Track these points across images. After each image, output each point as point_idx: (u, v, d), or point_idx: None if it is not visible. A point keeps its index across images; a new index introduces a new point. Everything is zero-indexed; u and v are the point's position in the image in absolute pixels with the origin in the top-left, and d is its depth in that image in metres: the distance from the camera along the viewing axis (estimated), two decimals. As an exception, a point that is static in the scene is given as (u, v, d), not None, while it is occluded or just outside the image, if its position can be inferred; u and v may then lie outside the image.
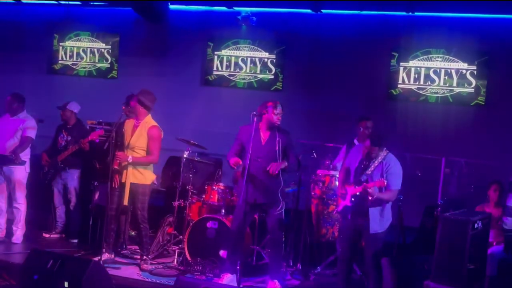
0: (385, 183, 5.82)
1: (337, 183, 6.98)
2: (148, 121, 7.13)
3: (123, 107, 7.11)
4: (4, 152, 7.70)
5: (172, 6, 10.76)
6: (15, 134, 7.78)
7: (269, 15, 10.29)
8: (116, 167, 6.95)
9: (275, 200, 6.40)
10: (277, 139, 6.41)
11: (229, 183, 7.88)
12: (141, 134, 7.03)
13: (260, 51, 10.45)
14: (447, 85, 9.36)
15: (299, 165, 6.71)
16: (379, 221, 5.97)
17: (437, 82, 9.43)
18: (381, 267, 6.13)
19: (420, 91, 9.52)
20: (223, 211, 7.43)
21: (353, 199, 6.00)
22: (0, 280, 6.52)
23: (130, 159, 6.91)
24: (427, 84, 9.48)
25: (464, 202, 8.23)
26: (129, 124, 7.14)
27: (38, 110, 8.58)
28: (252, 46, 10.49)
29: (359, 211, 6.00)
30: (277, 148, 6.39)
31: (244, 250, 6.94)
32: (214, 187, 7.60)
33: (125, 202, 7.01)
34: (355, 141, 7.45)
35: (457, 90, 9.32)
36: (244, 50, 10.54)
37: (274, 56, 10.37)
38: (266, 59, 10.41)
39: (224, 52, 10.63)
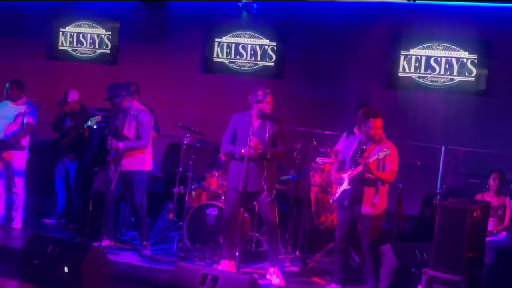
0: (388, 152, 5.83)
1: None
2: (138, 105, 7.13)
3: (123, 93, 7.08)
4: (2, 138, 7.70)
5: (172, -7, 10.73)
6: (14, 120, 7.77)
7: (269, 3, 10.24)
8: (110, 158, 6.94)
9: (262, 188, 6.37)
10: (268, 127, 6.39)
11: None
12: (132, 118, 7.02)
13: (261, 38, 10.42)
14: (448, 73, 9.34)
15: (285, 154, 6.63)
16: (372, 203, 6.00)
17: (437, 71, 9.40)
18: (379, 255, 6.17)
19: (421, 80, 9.50)
20: (223, 197, 7.45)
21: (350, 183, 6.02)
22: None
23: (120, 146, 6.90)
24: (428, 72, 9.45)
25: (463, 190, 8.27)
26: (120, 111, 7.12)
27: (38, 96, 8.57)
28: (253, 33, 10.45)
29: (355, 194, 6.03)
30: (267, 136, 6.37)
31: (243, 237, 6.96)
32: (213, 174, 7.61)
33: (112, 187, 6.96)
34: (355, 130, 7.46)
35: (458, 79, 9.29)
36: (244, 37, 10.51)
37: (274, 44, 10.34)
38: (266, 46, 10.38)
39: (225, 39, 10.60)
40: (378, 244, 6.20)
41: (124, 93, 6.99)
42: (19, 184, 7.87)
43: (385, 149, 5.86)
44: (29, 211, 8.11)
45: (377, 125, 6.03)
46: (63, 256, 5.81)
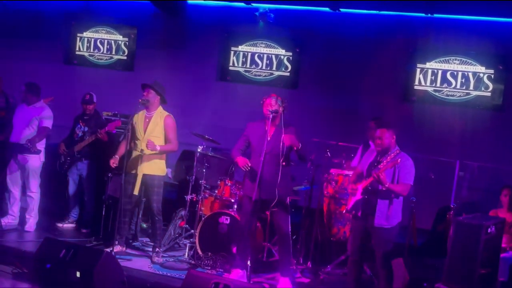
0: (399, 161, 5.81)
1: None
2: (162, 111, 7.18)
3: (140, 100, 7.11)
4: (19, 141, 7.75)
5: (190, 1, 10.78)
6: (30, 123, 7.82)
7: (287, 12, 10.27)
8: (115, 165, 6.99)
9: (275, 196, 6.34)
10: (282, 135, 6.38)
11: (241, 179, 7.88)
12: (157, 123, 7.08)
13: (277, 48, 10.44)
14: (464, 88, 9.30)
15: (303, 158, 6.64)
16: (386, 215, 5.96)
17: (454, 85, 9.37)
18: (391, 268, 6.14)
19: (437, 93, 9.47)
20: (236, 206, 7.45)
21: (364, 193, 6.01)
22: (13, 268, 6.58)
23: (158, 148, 6.94)
24: (444, 86, 9.43)
25: (477, 206, 8.22)
26: (139, 117, 7.15)
27: (54, 100, 8.62)
28: (269, 43, 10.47)
29: (368, 205, 6.01)
30: (281, 144, 6.37)
31: (255, 246, 6.95)
32: (227, 183, 7.62)
33: (135, 192, 7.03)
34: (371, 142, 7.44)
35: (474, 93, 9.25)
36: (260, 46, 10.53)
37: (290, 54, 10.35)
38: (282, 56, 10.40)
39: (241, 48, 10.63)
40: (391, 258, 6.17)
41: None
42: (34, 187, 7.91)
43: (397, 160, 5.85)
44: (42, 214, 8.14)
45: (378, 134, 6.06)
46: (76, 261, 5.83)
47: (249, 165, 6.37)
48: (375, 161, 6.12)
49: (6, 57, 11.15)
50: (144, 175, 7.03)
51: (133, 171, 7.05)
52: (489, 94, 9.20)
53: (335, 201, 7.34)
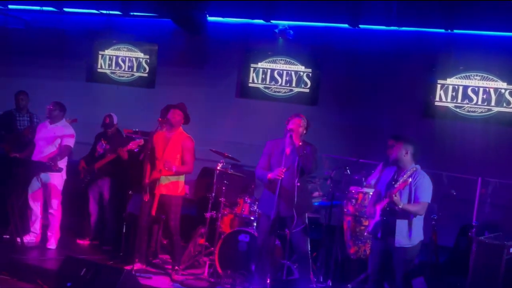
0: (409, 182, 5.76)
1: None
2: (182, 132, 7.22)
3: (159, 119, 7.15)
4: (41, 159, 7.85)
5: (210, 18, 10.86)
6: (53, 142, 7.91)
7: (306, 29, 10.31)
8: (147, 181, 7.00)
9: (293, 214, 6.32)
10: (298, 153, 6.38)
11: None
12: (177, 144, 7.11)
13: (296, 65, 10.47)
14: (485, 104, 9.24)
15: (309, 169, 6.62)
16: (406, 235, 5.89)
17: (475, 101, 9.31)
18: (412, 287, 6.07)
19: (458, 109, 9.41)
20: (255, 224, 7.45)
21: (382, 214, 5.96)
22: (34, 285, 6.64)
23: (174, 169, 6.98)
24: (465, 102, 9.37)
25: (500, 223, 8.12)
26: (159, 136, 7.19)
27: (77, 117, 8.72)
28: (288, 60, 10.51)
29: (387, 226, 5.95)
30: (296, 164, 6.36)
31: (274, 264, 6.93)
32: (246, 200, 7.62)
33: (153, 212, 7.07)
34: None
35: (496, 109, 9.18)
36: (280, 63, 10.57)
37: (310, 70, 10.37)
38: (302, 73, 10.42)
39: (260, 64, 10.68)
40: (412, 277, 6.10)
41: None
42: (56, 204, 7.98)
43: (407, 180, 5.80)
44: (64, 231, 8.20)
45: (391, 143, 6.02)
46: (96, 280, 5.85)
47: (284, 170, 6.34)
48: (392, 180, 6.07)
49: (31, 76, 11.35)
50: (161, 195, 7.06)
51: (152, 191, 7.08)
52: (511, 110, 9.11)
53: (355, 219, 7.29)
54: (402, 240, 5.90)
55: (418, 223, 5.97)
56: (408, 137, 6.25)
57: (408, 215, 5.89)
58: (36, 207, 8.04)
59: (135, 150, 7.89)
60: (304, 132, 6.48)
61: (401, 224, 5.89)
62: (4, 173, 7.86)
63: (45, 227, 8.12)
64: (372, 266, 6.21)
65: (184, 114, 7.20)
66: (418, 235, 5.97)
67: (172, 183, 7.10)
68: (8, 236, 7.63)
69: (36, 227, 8.08)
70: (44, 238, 8.05)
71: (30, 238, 7.98)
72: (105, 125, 8.30)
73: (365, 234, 6.50)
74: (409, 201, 5.86)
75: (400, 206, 5.75)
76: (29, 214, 8.09)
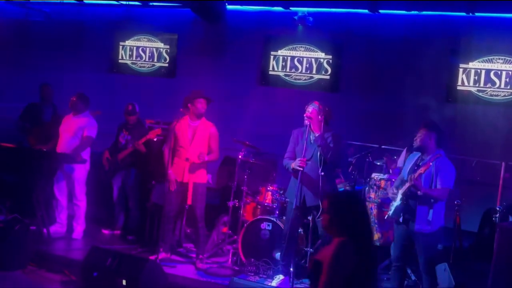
0: (430, 166, 5.74)
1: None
2: (206, 121, 7.28)
3: (181, 109, 7.20)
4: (65, 151, 7.94)
5: (229, 6, 10.84)
6: (75, 133, 8.00)
7: (325, 15, 10.23)
8: (170, 171, 7.07)
9: (318, 203, 6.36)
10: (317, 143, 6.42)
11: (283, 185, 7.90)
12: (204, 133, 7.17)
13: (316, 51, 10.42)
14: (508, 87, 9.12)
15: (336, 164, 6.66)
16: (427, 220, 5.88)
17: (498, 85, 9.20)
18: (435, 273, 6.07)
19: (480, 93, 9.31)
20: (277, 212, 7.48)
21: (403, 198, 5.95)
22: (61, 276, 6.76)
23: (206, 159, 7.07)
24: (488, 86, 9.26)
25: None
26: (181, 125, 7.24)
27: (98, 108, 8.80)
28: (308, 46, 10.46)
29: (408, 211, 5.95)
30: (318, 153, 6.40)
31: (297, 252, 6.97)
32: (268, 188, 7.66)
33: (189, 201, 7.13)
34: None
35: (519, 93, 9.08)
36: (300, 50, 10.53)
37: (330, 57, 10.32)
38: (322, 60, 10.37)
39: (280, 52, 10.65)
40: (435, 262, 6.10)
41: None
42: (80, 195, 8.10)
43: (429, 163, 5.79)
44: (89, 222, 8.32)
45: (419, 133, 6.02)
46: (121, 269, 5.95)
47: (305, 160, 6.39)
48: (415, 165, 6.06)
49: (52, 68, 11.41)
50: (193, 183, 7.13)
51: (178, 180, 7.14)
52: (535, 93, 9.00)
53: (378, 206, 7.29)
54: (422, 225, 5.90)
55: (438, 208, 5.95)
56: (434, 123, 6.22)
57: (429, 201, 5.88)
58: (62, 198, 8.16)
59: (154, 140, 7.94)
60: (322, 119, 6.48)
61: (421, 210, 5.89)
62: (30, 165, 7.98)
63: (70, 217, 8.24)
64: (395, 253, 6.23)
65: (208, 102, 7.24)
66: (438, 221, 5.96)
67: (199, 171, 7.17)
68: (34, 228, 7.75)
69: (62, 217, 8.21)
70: (70, 229, 8.17)
71: (56, 229, 8.11)
72: (128, 112, 8.36)
73: (385, 218, 6.47)
74: (430, 186, 5.85)
75: (422, 191, 5.75)
76: (54, 205, 8.22)
